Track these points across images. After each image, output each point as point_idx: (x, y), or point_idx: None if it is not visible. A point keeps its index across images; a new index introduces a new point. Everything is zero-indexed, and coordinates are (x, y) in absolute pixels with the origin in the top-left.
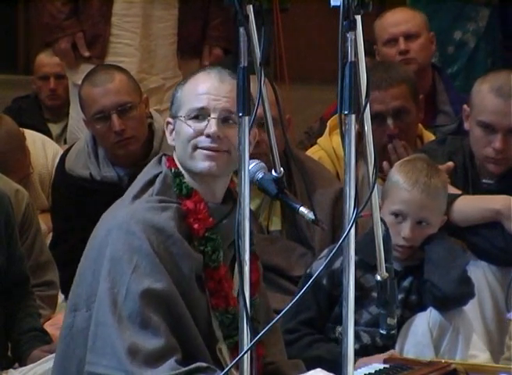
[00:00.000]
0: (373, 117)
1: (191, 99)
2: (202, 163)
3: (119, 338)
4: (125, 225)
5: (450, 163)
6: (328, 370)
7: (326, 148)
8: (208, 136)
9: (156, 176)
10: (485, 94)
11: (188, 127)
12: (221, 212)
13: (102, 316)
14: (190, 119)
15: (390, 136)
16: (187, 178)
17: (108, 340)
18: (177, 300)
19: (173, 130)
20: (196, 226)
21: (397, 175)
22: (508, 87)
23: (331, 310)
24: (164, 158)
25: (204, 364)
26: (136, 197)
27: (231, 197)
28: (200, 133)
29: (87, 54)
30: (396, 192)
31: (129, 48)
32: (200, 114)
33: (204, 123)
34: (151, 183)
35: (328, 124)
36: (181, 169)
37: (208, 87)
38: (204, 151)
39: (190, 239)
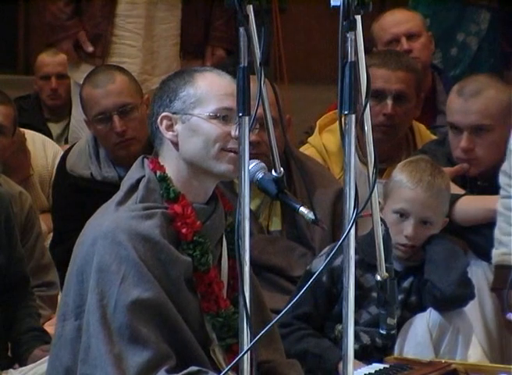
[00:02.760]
0: (373, 94)
1: (215, 98)
2: (228, 166)
3: (108, 353)
4: (110, 234)
5: (464, 165)
6: (314, 364)
7: (316, 145)
8: (237, 138)
9: (139, 180)
10: (451, 96)
11: (215, 127)
12: (205, 212)
13: (93, 329)
14: (214, 118)
15: (386, 115)
16: (175, 180)
17: (98, 353)
18: (168, 306)
19: (172, 125)
20: (184, 230)
21: (400, 174)
22: (472, 87)
23: (328, 307)
24: (146, 161)
25: (195, 368)
26: (120, 203)
27: (213, 196)
28: (228, 134)
29: (90, 49)
30: (399, 191)
31: (131, 48)
32: (229, 115)
33: (232, 126)
34: (134, 188)
35: (317, 124)
36: (172, 168)
37: (232, 89)
38: (232, 154)
39: (178, 243)
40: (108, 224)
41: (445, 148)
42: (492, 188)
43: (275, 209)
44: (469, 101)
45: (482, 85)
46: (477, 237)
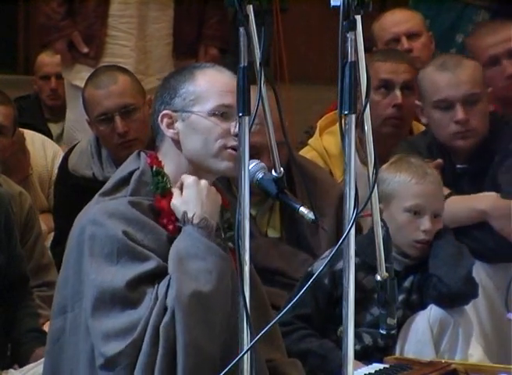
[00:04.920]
0: (382, 85)
1: (215, 95)
2: (228, 163)
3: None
4: (97, 219)
5: (439, 160)
6: (317, 364)
7: (317, 148)
8: (236, 136)
9: (131, 173)
10: (431, 74)
11: (214, 125)
12: None
13: (100, 309)
14: (213, 115)
15: (396, 105)
16: (174, 177)
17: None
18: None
19: (172, 123)
20: (171, 227)
21: (399, 174)
22: (450, 61)
23: (328, 310)
24: (143, 155)
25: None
26: (106, 194)
27: None
28: (228, 132)
29: (85, 50)
30: (406, 189)
31: (124, 48)
32: (228, 112)
33: (231, 123)
34: (125, 181)
35: (318, 124)
36: (172, 165)
37: (232, 85)
38: (232, 151)
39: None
40: (95, 212)
41: (426, 138)
42: (469, 169)
43: (274, 217)
44: (456, 72)
45: (457, 58)
46: (466, 239)
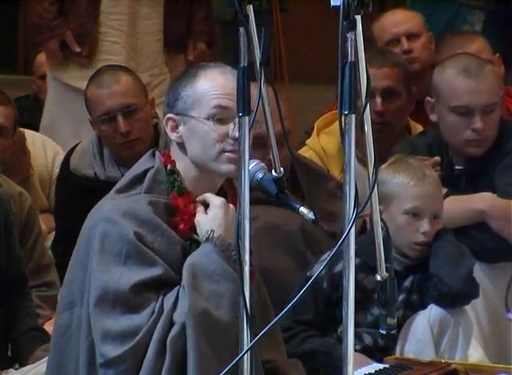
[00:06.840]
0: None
1: (212, 98)
2: (228, 166)
3: (110, 322)
4: (111, 217)
5: (437, 158)
6: (322, 362)
7: (315, 148)
8: (234, 139)
9: (146, 171)
10: (453, 77)
11: (212, 130)
12: None
13: (101, 308)
14: (210, 120)
15: (377, 113)
16: (184, 177)
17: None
18: (176, 282)
19: (176, 126)
20: (181, 226)
21: (398, 175)
22: (473, 66)
23: (327, 312)
24: (158, 154)
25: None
26: (121, 191)
27: (221, 193)
28: (226, 136)
29: (78, 49)
30: (406, 191)
31: (115, 45)
32: (225, 115)
33: (229, 126)
34: (139, 179)
35: (315, 125)
36: (180, 166)
37: (231, 87)
38: (231, 155)
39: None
40: (109, 209)
41: (426, 138)
42: (467, 170)
43: None
44: (479, 80)
45: (479, 62)
46: (464, 239)
